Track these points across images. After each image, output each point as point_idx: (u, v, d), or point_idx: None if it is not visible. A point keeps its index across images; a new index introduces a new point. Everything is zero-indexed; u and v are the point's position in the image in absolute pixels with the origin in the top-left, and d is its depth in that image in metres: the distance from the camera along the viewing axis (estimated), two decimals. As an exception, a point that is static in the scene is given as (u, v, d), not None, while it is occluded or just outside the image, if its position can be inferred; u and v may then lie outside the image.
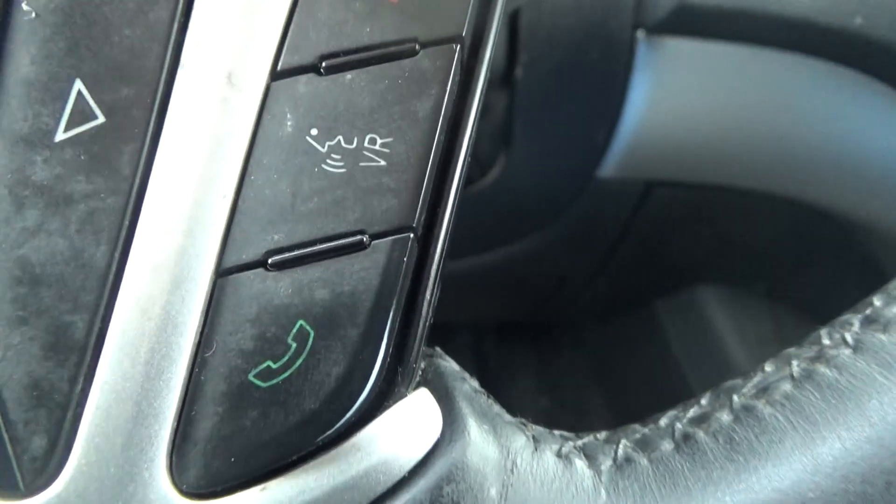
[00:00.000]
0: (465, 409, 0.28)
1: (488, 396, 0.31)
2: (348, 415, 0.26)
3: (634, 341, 0.96)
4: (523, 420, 0.30)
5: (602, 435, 0.30)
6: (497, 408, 0.30)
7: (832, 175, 0.66)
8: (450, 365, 0.31)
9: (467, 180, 0.69)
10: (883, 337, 0.28)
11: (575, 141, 0.68)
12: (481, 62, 0.29)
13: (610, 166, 0.68)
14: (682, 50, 0.64)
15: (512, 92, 0.65)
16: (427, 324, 0.28)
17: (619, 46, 0.63)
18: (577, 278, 0.86)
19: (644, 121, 0.66)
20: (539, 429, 0.30)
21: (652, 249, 0.82)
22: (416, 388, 0.28)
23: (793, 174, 0.67)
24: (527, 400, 1.01)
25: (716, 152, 0.67)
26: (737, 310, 0.85)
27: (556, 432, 0.31)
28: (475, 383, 0.31)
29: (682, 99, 0.65)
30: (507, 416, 0.30)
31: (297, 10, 0.26)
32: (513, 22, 0.63)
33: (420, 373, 0.29)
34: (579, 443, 0.30)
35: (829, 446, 0.27)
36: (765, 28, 0.62)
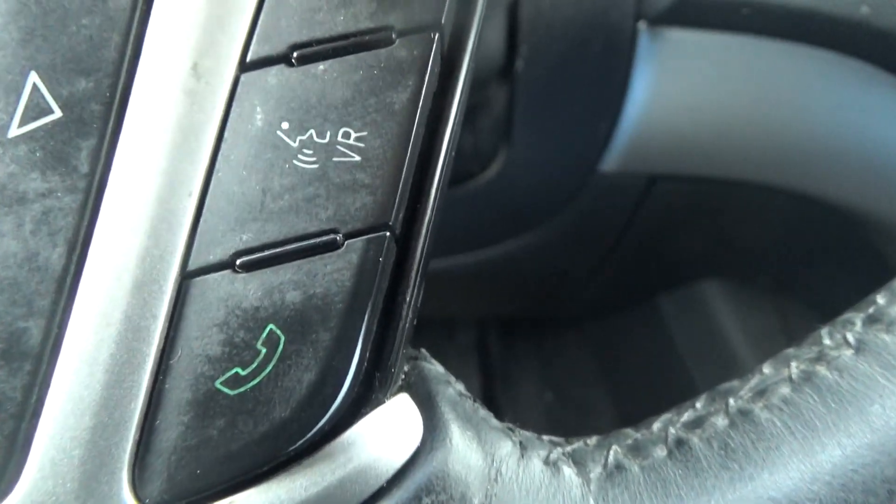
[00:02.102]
0: (447, 414, 0.27)
1: (474, 401, 0.29)
2: (321, 423, 0.24)
3: (638, 336, 0.95)
4: (510, 425, 0.29)
5: (593, 440, 0.29)
6: (483, 412, 0.29)
7: (837, 168, 0.66)
8: (434, 368, 0.29)
9: (467, 175, 0.69)
10: (886, 337, 0.27)
11: (576, 134, 0.67)
12: (464, 52, 0.27)
13: (612, 160, 0.67)
14: (685, 41, 0.63)
15: (512, 85, 0.64)
16: (408, 327, 0.27)
17: (621, 38, 0.63)
18: (579, 273, 0.85)
19: (646, 114, 0.65)
20: (527, 434, 0.29)
21: (655, 244, 0.81)
22: (396, 393, 0.27)
23: (797, 167, 0.67)
24: (531, 396, 1.01)
25: (719, 145, 0.67)
26: (741, 304, 0.85)
27: (545, 438, 0.30)
28: (461, 387, 0.30)
29: (684, 91, 0.65)
30: (494, 422, 0.29)
31: None
32: (513, 14, 0.62)
33: (402, 377, 0.28)
34: (568, 449, 0.29)
35: (829, 453, 0.25)
36: (768, 18, 0.61)
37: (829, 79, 0.63)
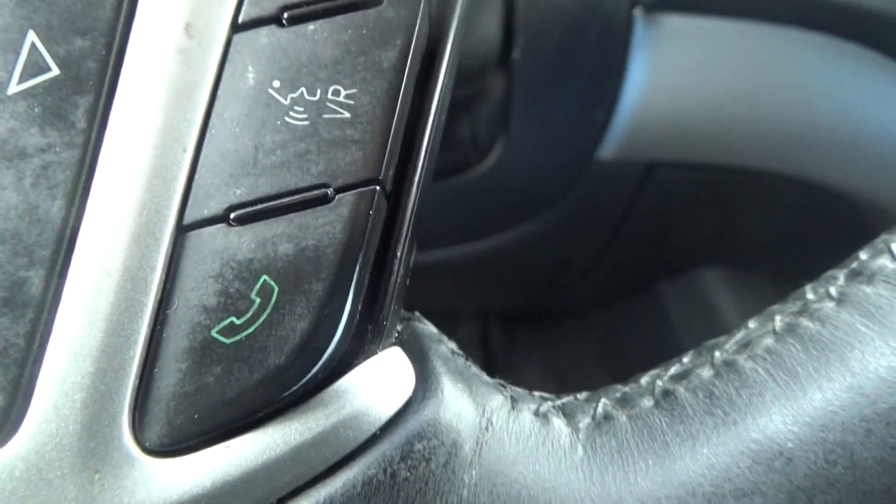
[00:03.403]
0: (439, 368, 0.28)
1: (466, 359, 0.30)
2: (315, 371, 0.25)
3: (639, 325, 0.95)
4: (502, 381, 0.30)
5: (583, 395, 0.30)
6: (475, 369, 0.30)
7: (836, 152, 0.66)
8: (427, 327, 0.30)
9: (465, 165, 0.69)
10: (867, 289, 0.27)
11: (574, 122, 0.67)
12: (452, 12, 0.28)
13: (610, 147, 0.67)
14: (681, 27, 0.64)
15: (509, 75, 0.64)
16: (400, 282, 0.28)
17: (617, 25, 0.63)
18: (579, 262, 0.85)
19: (643, 100, 0.65)
20: (518, 390, 0.30)
21: (655, 232, 0.81)
22: (389, 347, 0.28)
23: (796, 152, 0.67)
24: (533, 386, 1.00)
25: (717, 131, 0.67)
26: (741, 292, 0.85)
27: (536, 393, 0.30)
28: (453, 345, 0.30)
29: (681, 77, 0.65)
30: (485, 377, 0.30)
31: None
32: (509, 3, 0.62)
33: (396, 335, 0.29)
34: (558, 402, 0.29)
35: (810, 397, 0.26)
36: (765, 3, 0.62)
37: (827, 63, 0.63)
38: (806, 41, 0.63)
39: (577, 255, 0.84)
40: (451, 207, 0.71)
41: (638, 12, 0.63)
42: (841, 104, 0.64)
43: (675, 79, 0.65)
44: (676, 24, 0.64)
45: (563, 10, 0.62)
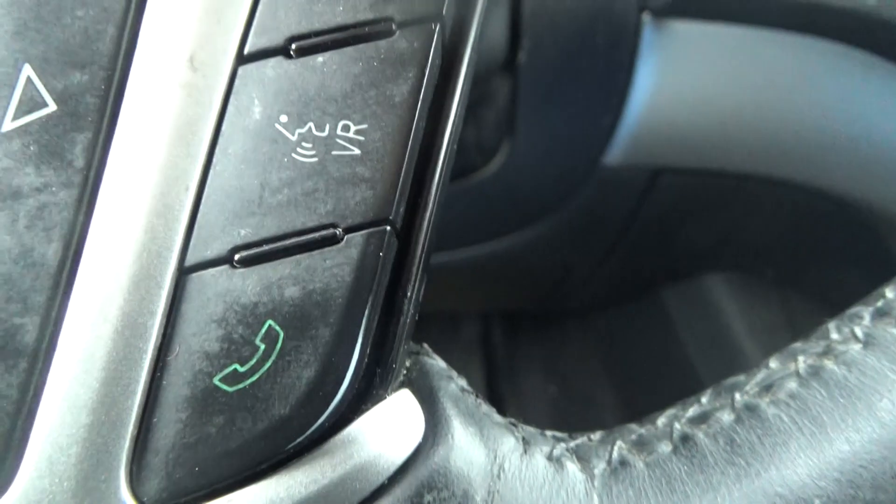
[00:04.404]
0: (449, 410, 0.27)
1: (477, 396, 0.29)
2: (321, 420, 0.24)
3: (643, 330, 0.95)
4: (513, 420, 0.29)
5: (597, 436, 0.29)
6: (486, 408, 0.29)
7: (844, 160, 0.65)
8: (436, 363, 0.29)
9: (470, 169, 0.69)
10: (895, 331, 0.27)
11: (580, 127, 0.67)
12: (465, 44, 0.27)
13: (616, 153, 0.67)
14: (689, 33, 0.63)
15: (515, 78, 0.64)
16: (409, 322, 0.27)
17: (625, 30, 0.63)
18: (583, 267, 0.85)
19: (650, 106, 0.65)
20: (530, 429, 0.29)
21: (659, 237, 0.81)
22: (398, 388, 0.27)
23: (803, 160, 0.66)
24: (535, 390, 1.01)
25: (724, 138, 0.66)
26: (746, 297, 0.85)
27: (549, 433, 0.29)
28: (463, 382, 0.29)
29: (689, 83, 0.64)
30: (497, 417, 0.29)
31: None
32: (515, 6, 0.62)
33: (404, 372, 0.28)
34: (572, 444, 0.29)
35: (837, 449, 0.25)
36: (774, 9, 0.61)
37: (834, 70, 0.63)
38: (813, 48, 0.62)
39: (581, 260, 0.83)
40: (456, 211, 0.71)
41: (646, 17, 0.63)
42: (848, 111, 0.64)
43: (683, 85, 0.64)
44: (684, 30, 0.63)
45: (570, 14, 0.62)
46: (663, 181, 0.70)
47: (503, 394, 0.94)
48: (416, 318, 0.28)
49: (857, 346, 0.27)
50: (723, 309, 0.85)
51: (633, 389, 0.96)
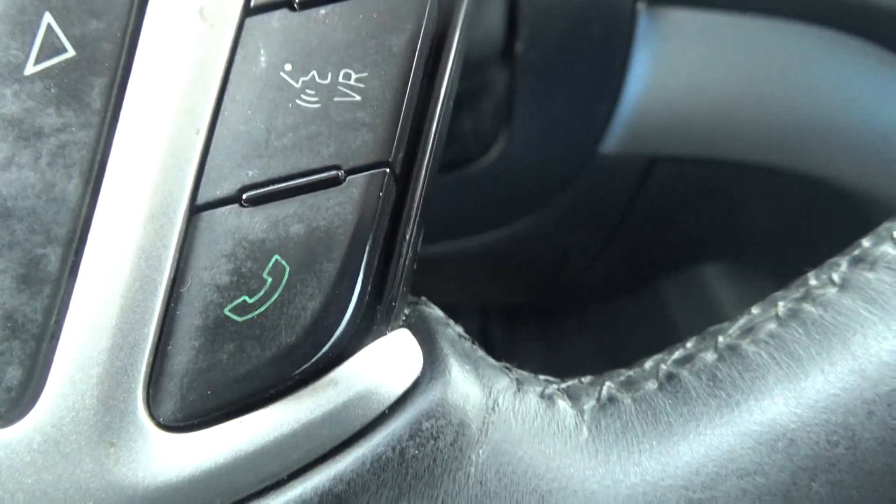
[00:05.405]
0: (447, 350, 0.28)
1: (473, 342, 0.30)
2: (325, 349, 0.25)
3: (640, 320, 0.95)
4: (507, 364, 0.30)
5: (587, 379, 0.30)
6: (481, 352, 0.30)
7: (841, 148, 0.65)
8: (434, 311, 0.30)
9: (468, 159, 0.69)
10: (869, 274, 0.28)
11: (577, 116, 0.67)
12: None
13: (612, 142, 0.67)
14: (685, 21, 0.63)
15: (512, 68, 0.64)
16: (408, 265, 0.28)
17: (620, 19, 0.63)
18: (580, 256, 0.85)
19: (646, 95, 0.65)
20: (523, 373, 0.30)
21: (656, 227, 0.81)
22: (397, 329, 0.28)
23: (800, 147, 0.67)
24: (535, 380, 1.00)
25: (720, 126, 0.66)
26: (743, 288, 0.85)
27: (541, 377, 0.31)
28: (460, 329, 0.31)
29: (684, 71, 0.65)
30: (491, 360, 0.30)
31: None
32: (512, -4, 0.62)
33: (403, 318, 0.29)
34: (563, 385, 0.30)
35: (812, 380, 0.26)
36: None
37: (830, 57, 0.63)
38: (809, 36, 0.63)
39: (579, 249, 0.84)
40: (453, 201, 0.71)
41: (641, 6, 0.63)
42: (844, 99, 0.64)
43: (679, 73, 0.65)
44: (680, 18, 0.63)
45: (567, 3, 0.62)
46: (660, 169, 0.71)
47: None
48: (415, 266, 0.29)
49: (834, 290, 0.28)
50: (720, 299, 0.85)
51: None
